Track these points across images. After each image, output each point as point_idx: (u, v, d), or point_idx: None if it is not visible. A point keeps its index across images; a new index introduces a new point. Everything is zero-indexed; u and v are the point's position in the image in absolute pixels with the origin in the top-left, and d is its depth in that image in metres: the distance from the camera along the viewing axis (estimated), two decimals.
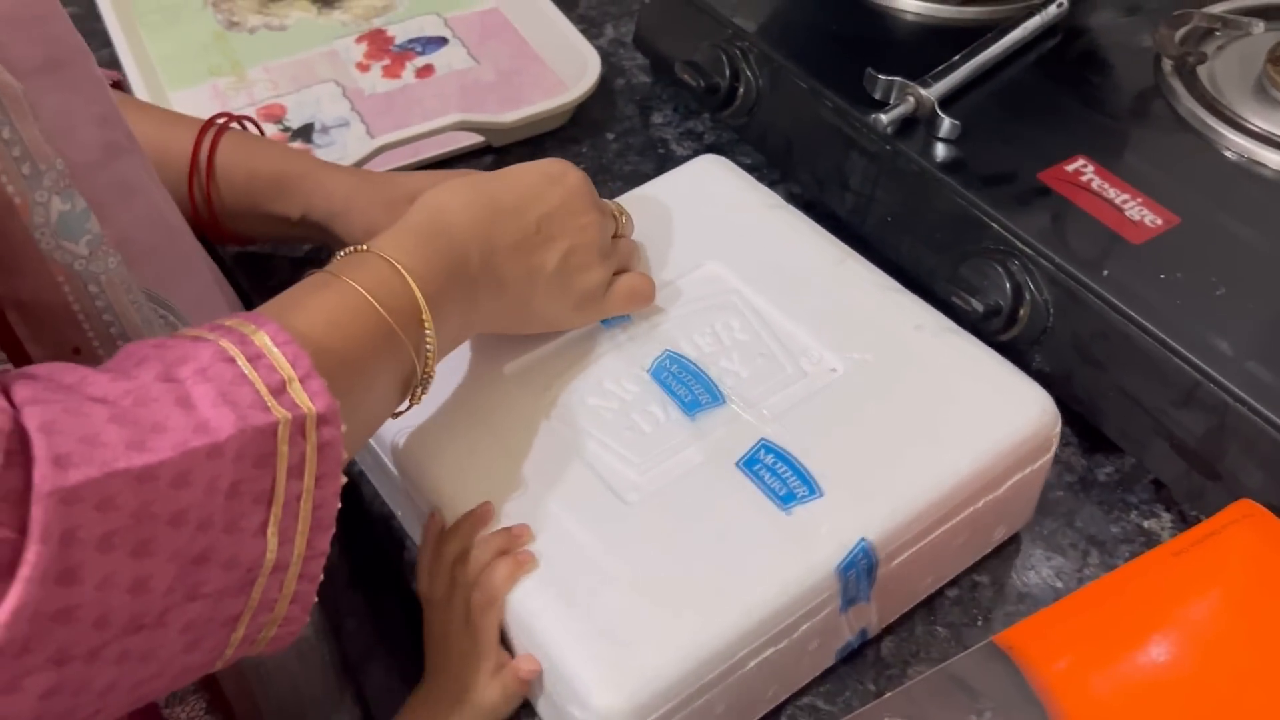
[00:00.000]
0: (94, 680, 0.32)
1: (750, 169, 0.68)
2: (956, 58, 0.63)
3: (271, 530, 0.35)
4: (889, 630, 0.50)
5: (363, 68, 0.80)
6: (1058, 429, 0.49)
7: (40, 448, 0.29)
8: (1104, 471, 0.56)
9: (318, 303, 0.41)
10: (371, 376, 0.41)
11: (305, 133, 0.75)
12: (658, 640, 0.41)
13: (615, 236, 0.53)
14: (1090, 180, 0.58)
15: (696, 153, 0.68)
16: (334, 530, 0.37)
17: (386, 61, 0.80)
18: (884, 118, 0.60)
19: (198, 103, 0.77)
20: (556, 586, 0.43)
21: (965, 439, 0.47)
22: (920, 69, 0.62)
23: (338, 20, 0.84)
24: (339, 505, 0.37)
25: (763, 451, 0.47)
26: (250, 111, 0.76)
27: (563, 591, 0.43)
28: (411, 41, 0.82)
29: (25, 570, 0.29)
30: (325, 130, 0.75)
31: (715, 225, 0.57)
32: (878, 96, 0.62)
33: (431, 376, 0.44)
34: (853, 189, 0.64)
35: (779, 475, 0.46)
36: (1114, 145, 0.60)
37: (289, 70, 0.80)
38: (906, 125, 0.61)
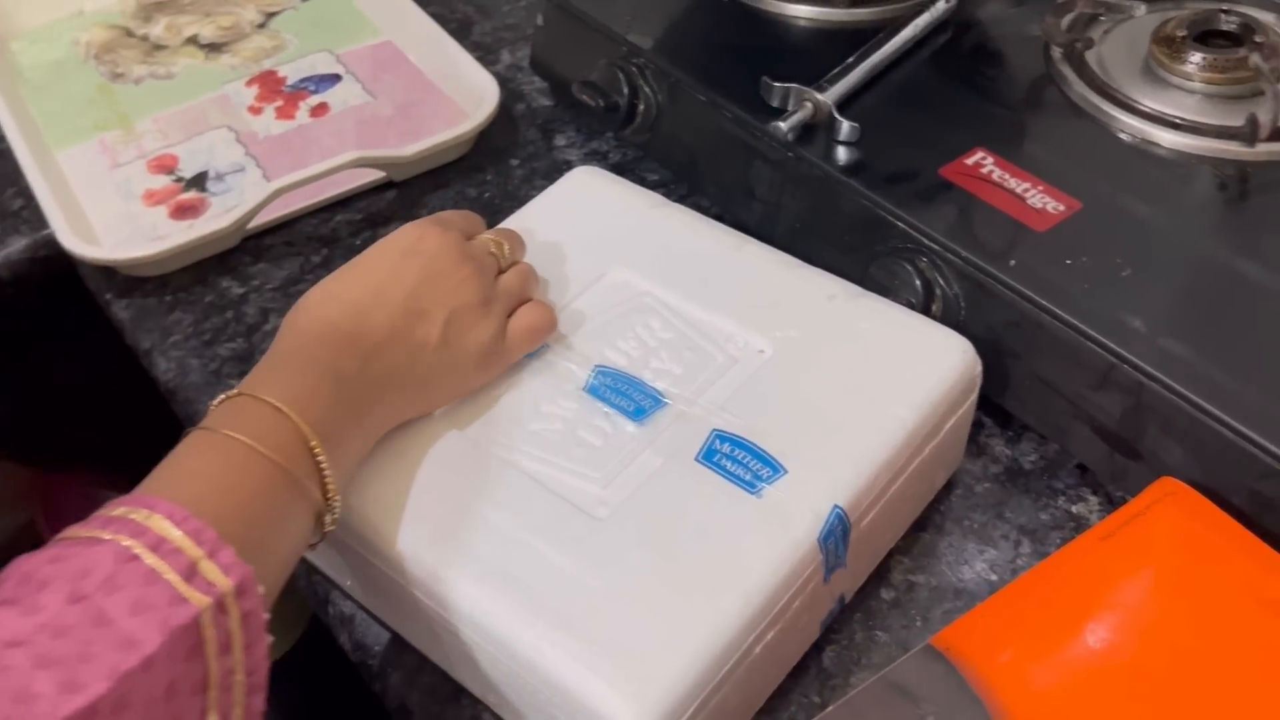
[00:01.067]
0: None
1: (657, 185, 0.68)
2: (850, 60, 0.63)
3: (212, 716, 0.35)
4: (828, 640, 0.49)
5: (255, 111, 0.78)
6: (979, 369, 0.51)
7: None
8: (1029, 460, 0.56)
9: (203, 465, 0.40)
10: (277, 524, 0.40)
11: (199, 181, 0.73)
12: (668, 645, 0.41)
13: (500, 273, 0.52)
14: (991, 172, 0.58)
15: (608, 168, 0.67)
16: (267, 688, 0.37)
17: (279, 103, 0.78)
18: (783, 125, 0.60)
19: (86, 159, 0.75)
20: (551, 615, 0.42)
21: (903, 392, 0.48)
22: (816, 74, 0.62)
23: (226, 65, 0.82)
24: (269, 662, 0.37)
25: (718, 441, 0.46)
26: (141, 165, 0.74)
27: (559, 620, 0.41)
28: (304, 81, 0.80)
29: None
30: (220, 177, 0.73)
31: (607, 233, 0.57)
32: (775, 104, 0.62)
33: (337, 502, 0.43)
34: (759, 198, 0.64)
35: (739, 461, 0.46)
36: (1011, 135, 0.61)
37: (179, 119, 0.77)
38: (807, 131, 0.61)
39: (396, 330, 0.46)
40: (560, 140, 0.76)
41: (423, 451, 0.47)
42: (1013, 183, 0.57)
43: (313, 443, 0.41)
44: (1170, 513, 0.43)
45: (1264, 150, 0.58)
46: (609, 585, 0.42)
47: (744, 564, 0.43)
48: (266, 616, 0.37)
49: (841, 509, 0.45)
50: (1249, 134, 0.58)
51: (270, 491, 0.40)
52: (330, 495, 0.42)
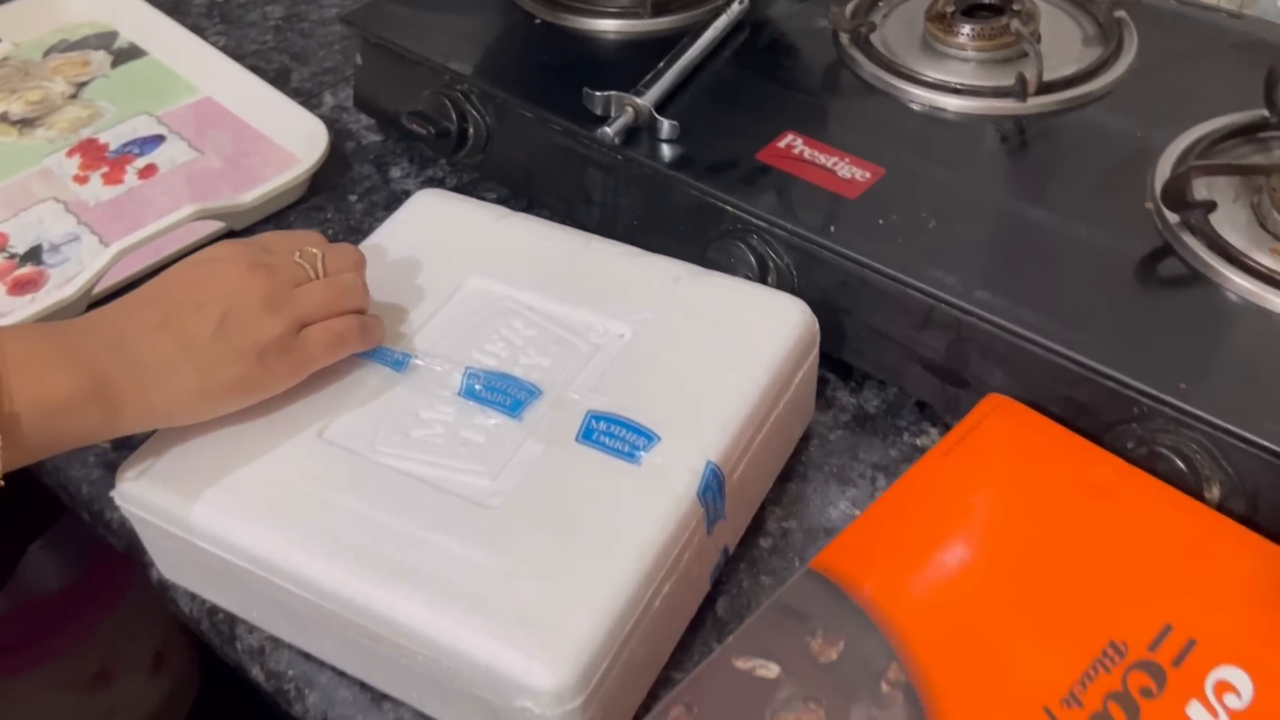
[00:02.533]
0: None
1: (497, 203, 0.71)
2: (661, 65, 0.68)
3: None
4: (719, 591, 0.53)
5: (81, 180, 0.78)
6: (816, 325, 0.56)
7: None
8: (872, 405, 0.62)
9: None
10: None
11: (34, 255, 0.72)
12: (575, 610, 0.44)
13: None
14: (801, 152, 0.63)
15: (451, 189, 0.70)
16: None
17: (105, 169, 0.78)
18: (609, 130, 0.64)
19: None
20: (463, 602, 0.44)
21: (753, 355, 0.53)
22: (632, 80, 0.66)
23: (43, 138, 0.81)
24: None
25: (594, 421, 0.50)
26: None
27: (471, 605, 0.44)
28: (127, 145, 0.80)
29: None
30: (55, 249, 0.73)
31: (458, 247, 0.60)
32: (599, 112, 0.66)
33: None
34: (596, 201, 0.67)
35: (617, 436, 0.49)
36: (815, 117, 0.66)
37: (2, 197, 0.76)
38: (631, 134, 0.65)
39: (167, 320, 0.48)
40: (395, 172, 0.78)
41: (317, 469, 0.49)
42: (822, 159, 0.63)
43: None
44: (999, 423, 0.49)
45: (1035, 104, 0.65)
46: (511, 565, 0.45)
47: (633, 526, 0.46)
48: None
49: (714, 464, 0.49)
50: (1019, 91, 0.65)
51: None
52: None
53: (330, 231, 0.74)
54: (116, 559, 1.21)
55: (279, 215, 0.75)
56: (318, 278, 0.53)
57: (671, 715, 0.40)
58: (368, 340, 0.53)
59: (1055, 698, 0.39)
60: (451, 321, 0.56)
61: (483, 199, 0.64)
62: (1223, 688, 0.39)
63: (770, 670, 0.41)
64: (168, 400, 0.48)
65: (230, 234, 0.73)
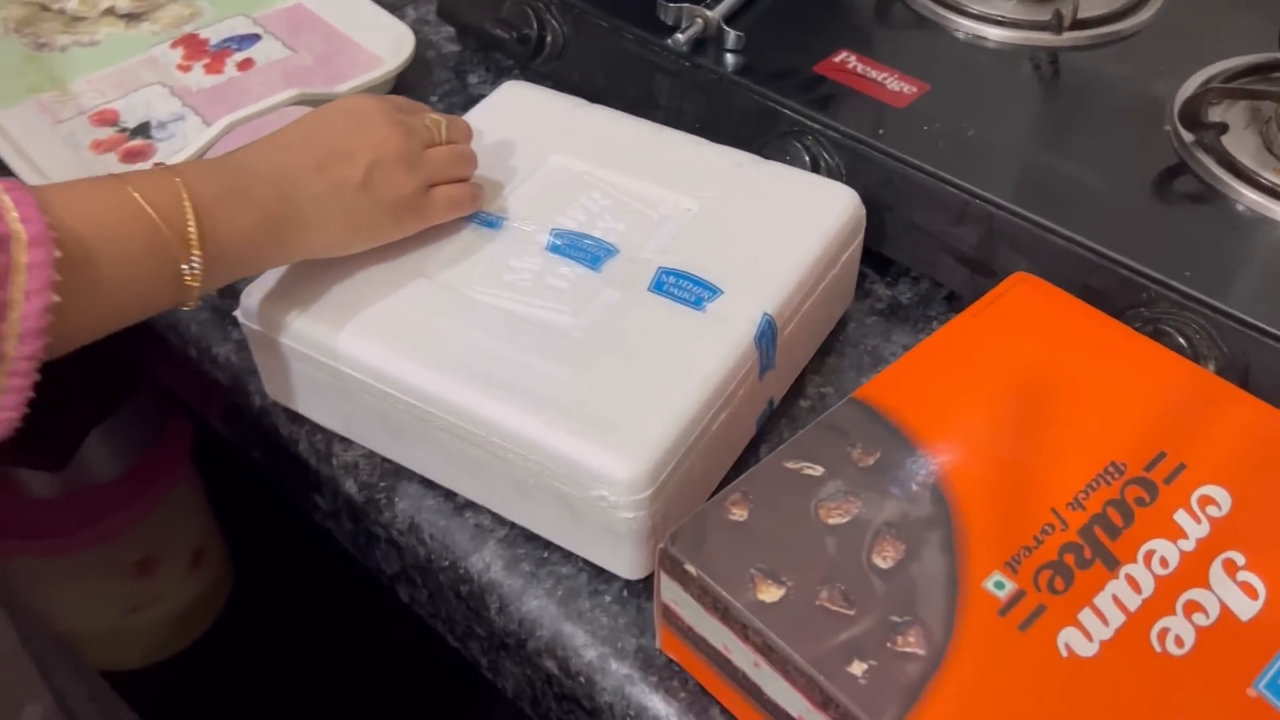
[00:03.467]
0: None
1: None
2: None
3: None
4: (762, 439, 0.60)
5: (184, 69, 0.84)
6: (863, 211, 0.62)
7: None
8: (905, 297, 0.68)
9: (87, 187, 0.47)
10: (124, 262, 0.46)
11: (143, 130, 0.79)
12: (648, 419, 0.50)
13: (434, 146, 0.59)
14: (855, 67, 0.70)
15: None
16: (45, 340, 0.43)
17: (206, 60, 0.85)
18: (680, 37, 0.71)
19: (26, 118, 0.79)
20: (550, 407, 0.51)
21: (806, 230, 0.59)
22: None
23: (148, 31, 0.88)
24: (45, 323, 0.43)
25: (664, 275, 0.56)
26: (83, 120, 0.79)
27: (558, 409, 0.50)
28: (226, 41, 0.87)
29: None
30: (162, 125, 0.79)
31: (541, 130, 0.66)
32: (670, 23, 0.72)
33: (198, 277, 0.49)
34: (662, 106, 0.74)
35: (684, 289, 0.56)
36: (869, 39, 0.73)
37: (112, 79, 0.83)
38: (699, 44, 0.72)
39: (322, 165, 0.53)
40: (473, 78, 0.84)
41: (423, 300, 0.56)
42: (873, 74, 0.69)
43: (188, 214, 0.48)
44: (1025, 292, 0.55)
45: (1068, 38, 0.71)
46: (592, 381, 0.52)
47: (698, 360, 0.53)
48: (55, 279, 0.42)
49: (770, 315, 0.55)
50: (1056, 25, 0.71)
51: (127, 231, 0.46)
52: (195, 266, 0.48)
53: None
54: (165, 456, 1.28)
55: None
56: (441, 143, 0.59)
57: (730, 499, 0.47)
58: (477, 204, 0.60)
59: (1062, 501, 0.46)
60: (537, 191, 0.62)
61: None
62: (1205, 501, 0.46)
63: (816, 470, 0.48)
64: (317, 238, 0.54)
65: None
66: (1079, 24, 0.72)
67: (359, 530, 0.61)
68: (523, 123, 0.67)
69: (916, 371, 0.52)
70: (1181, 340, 0.56)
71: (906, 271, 0.69)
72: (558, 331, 0.54)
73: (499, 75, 0.84)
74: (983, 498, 0.46)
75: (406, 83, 0.83)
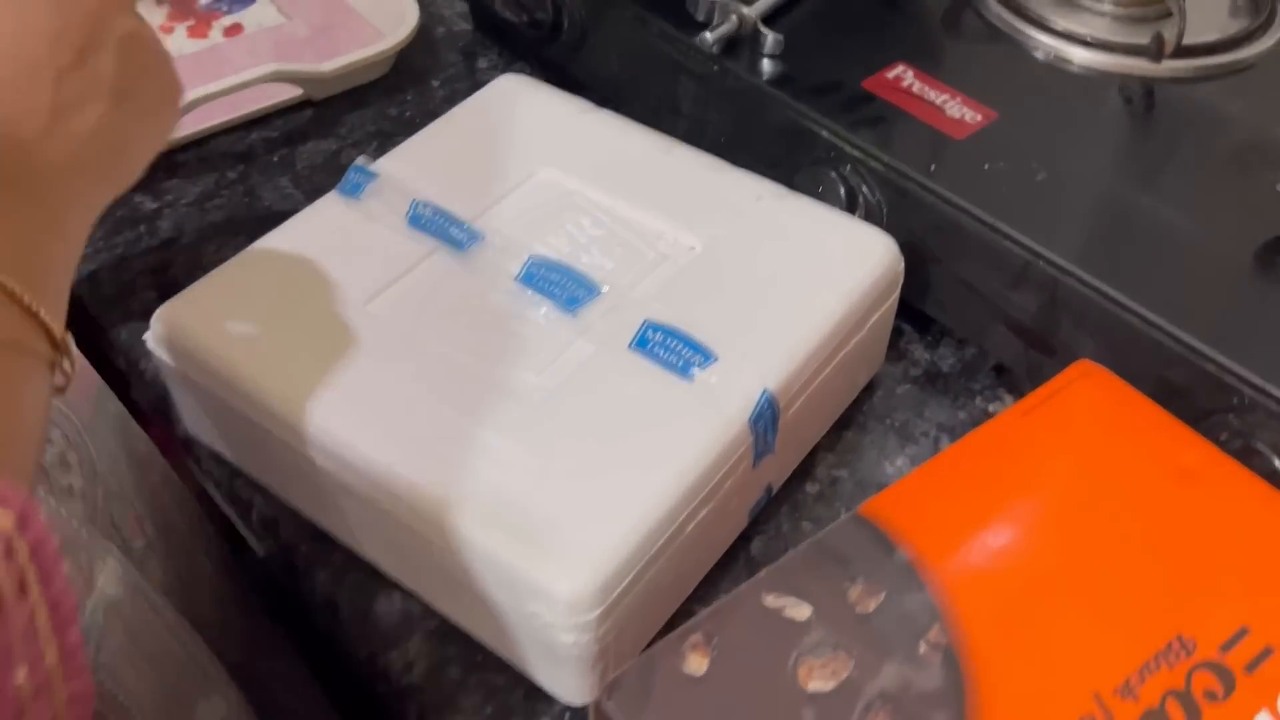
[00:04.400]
0: None
1: None
2: None
3: (20, 671, 0.28)
4: (756, 530, 0.50)
5: (166, 30, 0.76)
6: (901, 265, 0.52)
7: None
8: (947, 363, 0.58)
9: None
10: (17, 406, 0.33)
11: None
12: (604, 520, 0.41)
13: None
14: (911, 85, 0.59)
15: None
16: (78, 611, 0.32)
17: (191, 22, 0.76)
18: (709, 36, 0.60)
19: None
20: (488, 492, 0.42)
21: (829, 285, 0.49)
22: None
23: None
24: (72, 592, 0.31)
25: (650, 330, 0.47)
26: None
27: (497, 496, 0.41)
28: (217, 2, 0.78)
29: None
30: None
31: (535, 136, 0.57)
32: (701, 18, 0.62)
33: (68, 341, 0.35)
34: (685, 114, 0.64)
35: (671, 349, 0.46)
36: (931, 52, 0.62)
37: None
38: (732, 44, 0.61)
39: (61, 98, 0.36)
40: (482, 63, 0.75)
41: (356, 338, 0.47)
42: (932, 94, 0.58)
43: (12, 287, 0.33)
44: (1087, 389, 0.45)
45: (1168, 67, 0.60)
46: (544, 465, 0.43)
47: (677, 444, 0.43)
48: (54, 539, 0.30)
49: (770, 393, 0.45)
50: (1155, 51, 0.60)
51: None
52: (57, 337, 0.34)
53: (408, 114, 0.71)
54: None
55: (358, 91, 0.72)
56: None
57: (689, 642, 0.37)
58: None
59: (1109, 685, 0.36)
60: (519, 208, 0.53)
61: None
62: None
63: (802, 611, 0.38)
64: (85, 210, 0.39)
65: (308, 102, 0.71)
66: (1183, 51, 0.60)
67: (289, 589, 0.53)
68: (517, 124, 0.58)
69: (944, 483, 0.42)
70: (1276, 462, 0.45)
71: (951, 331, 0.59)
72: (513, 392, 0.45)
73: (511, 62, 0.75)
74: (1009, 670, 0.36)
75: (410, 62, 0.74)
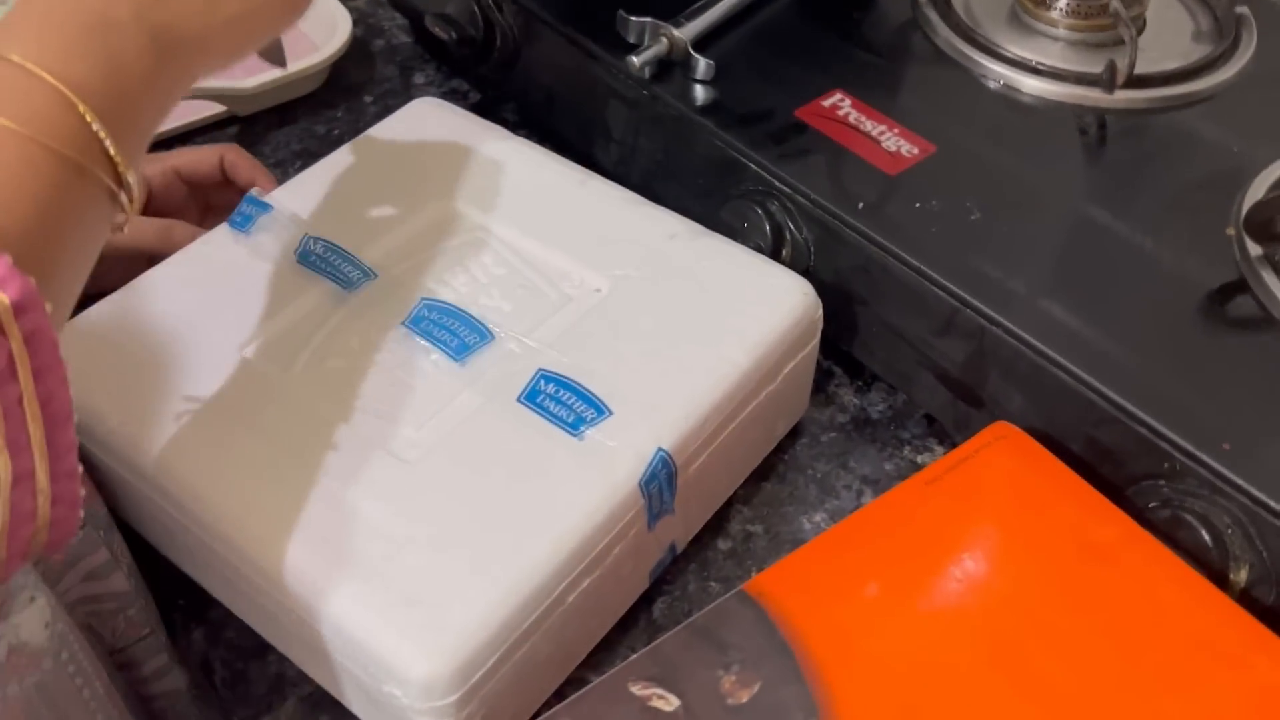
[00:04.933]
0: None
1: (517, 126, 0.65)
2: None
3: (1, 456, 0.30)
4: (660, 590, 0.47)
5: None
6: (819, 313, 0.49)
7: None
8: (876, 410, 0.55)
9: None
10: (61, 219, 0.33)
11: None
12: (469, 593, 0.38)
13: None
14: (847, 114, 0.56)
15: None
16: (75, 418, 0.32)
17: None
18: (636, 60, 0.58)
19: None
20: (349, 564, 0.39)
21: (738, 335, 0.46)
22: (674, 9, 0.59)
23: None
24: (70, 394, 0.32)
25: (542, 381, 0.44)
26: None
27: (357, 568, 0.39)
28: None
29: None
30: None
31: (445, 164, 0.54)
32: (632, 39, 0.59)
33: (131, 178, 0.35)
34: (616, 139, 0.61)
35: (563, 402, 0.43)
36: (871, 79, 0.59)
37: None
38: (663, 68, 0.59)
39: None
40: (419, 78, 0.72)
41: (225, 387, 0.44)
42: (869, 125, 0.55)
43: (81, 109, 0.33)
44: (1000, 456, 0.42)
45: (1122, 97, 0.57)
46: (413, 531, 0.40)
47: (559, 508, 0.41)
48: (58, 332, 0.31)
49: (666, 452, 0.43)
50: (1108, 80, 0.56)
51: (46, 181, 0.33)
52: (122, 170, 0.35)
53: (336, 133, 0.68)
54: None
55: (286, 107, 0.69)
56: None
57: None
58: None
59: None
60: (417, 243, 0.50)
61: (503, 121, 0.58)
62: None
63: (669, 703, 0.35)
64: (180, 73, 0.38)
65: (234, 119, 0.68)
66: (1138, 81, 0.57)
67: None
68: (427, 153, 0.55)
69: (837, 559, 0.39)
70: (1205, 535, 0.42)
71: (881, 376, 0.56)
72: (389, 448, 0.42)
73: (449, 76, 0.72)
74: None
75: (344, 76, 0.71)
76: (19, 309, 0.29)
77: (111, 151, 0.34)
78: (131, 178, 0.35)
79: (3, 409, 0.29)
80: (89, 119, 0.34)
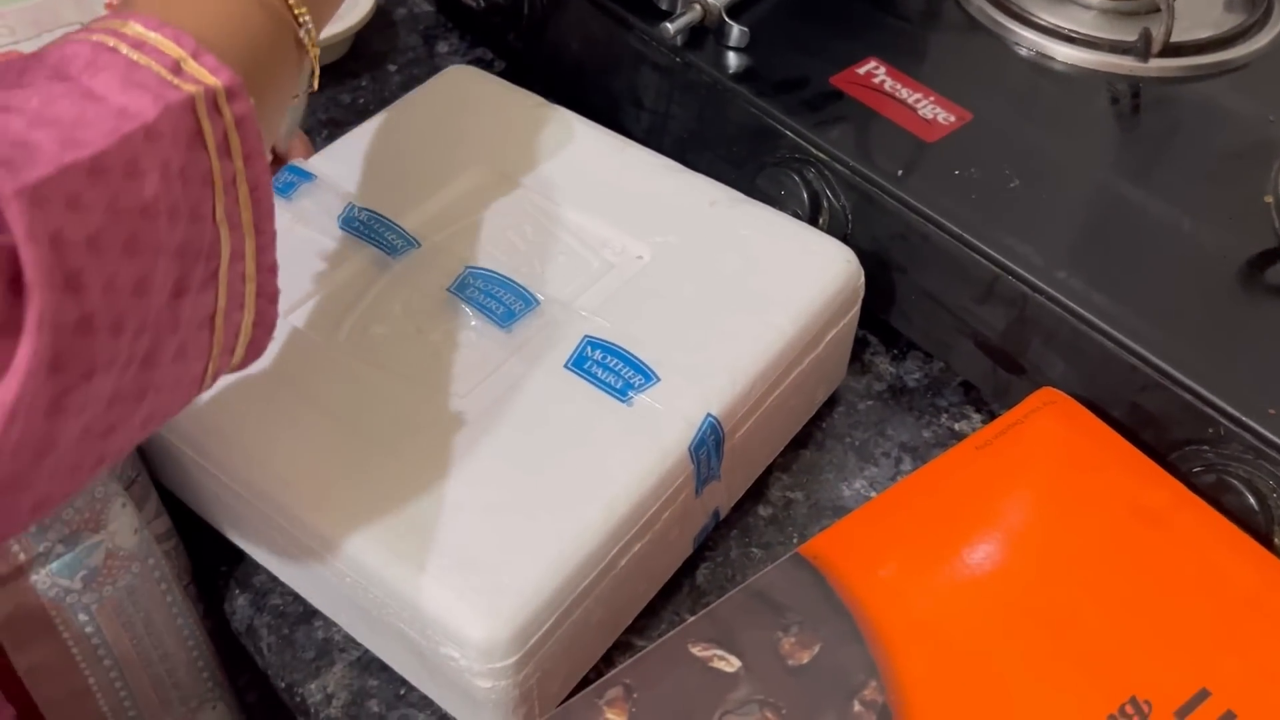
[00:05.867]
0: (119, 395, 0.30)
1: (543, 94, 0.64)
2: None
3: (220, 215, 0.32)
4: (701, 557, 0.48)
5: (112, 7, 0.72)
6: (861, 280, 0.49)
7: None
8: (913, 378, 0.55)
9: None
10: (260, 51, 0.36)
11: None
12: (525, 557, 0.38)
13: None
14: (883, 82, 0.56)
15: None
16: (275, 215, 0.34)
17: None
18: (670, 27, 0.57)
19: None
20: (404, 529, 0.39)
21: (782, 301, 0.46)
22: None
23: None
24: (272, 190, 0.34)
25: (589, 348, 0.44)
26: None
27: (412, 532, 0.39)
28: None
29: (30, 274, 0.26)
30: None
31: (481, 133, 0.54)
32: (664, 7, 0.59)
33: (315, 61, 0.39)
34: (647, 107, 0.61)
35: (611, 368, 0.43)
36: (906, 46, 0.59)
37: (29, 15, 0.72)
38: (696, 35, 0.58)
39: None
40: (443, 47, 0.72)
41: (280, 357, 0.44)
42: (904, 93, 0.55)
43: None
44: (1048, 421, 0.42)
45: (1157, 66, 0.57)
46: (467, 496, 0.40)
47: (610, 473, 0.41)
48: (263, 134, 0.33)
49: (715, 418, 0.43)
50: (1142, 49, 0.56)
51: (252, 25, 0.36)
52: (306, 23, 0.38)
53: (361, 101, 0.68)
54: None
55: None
56: None
57: (608, 696, 0.35)
58: None
59: None
60: (457, 211, 0.50)
61: (529, 89, 0.58)
62: None
63: (730, 663, 0.35)
64: None
65: None
66: (1172, 49, 0.57)
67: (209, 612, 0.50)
68: (461, 120, 0.55)
69: (890, 523, 0.39)
70: (1251, 499, 0.42)
71: (918, 344, 0.56)
72: (436, 415, 0.42)
73: (473, 45, 0.72)
74: None
75: (367, 45, 0.71)
76: (230, 93, 0.32)
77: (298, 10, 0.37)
78: (308, 27, 0.38)
79: (223, 183, 0.32)
80: None
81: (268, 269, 0.34)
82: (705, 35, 0.58)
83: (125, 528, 0.44)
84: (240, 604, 0.46)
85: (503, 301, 0.46)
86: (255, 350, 0.35)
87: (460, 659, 0.37)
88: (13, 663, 0.42)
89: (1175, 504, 0.40)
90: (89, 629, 0.43)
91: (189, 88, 0.31)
